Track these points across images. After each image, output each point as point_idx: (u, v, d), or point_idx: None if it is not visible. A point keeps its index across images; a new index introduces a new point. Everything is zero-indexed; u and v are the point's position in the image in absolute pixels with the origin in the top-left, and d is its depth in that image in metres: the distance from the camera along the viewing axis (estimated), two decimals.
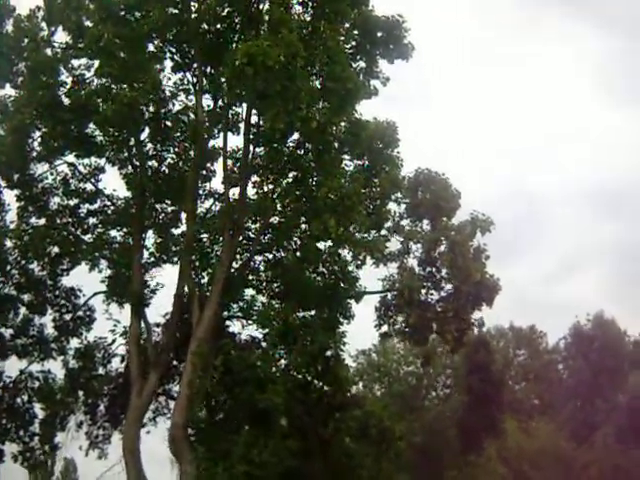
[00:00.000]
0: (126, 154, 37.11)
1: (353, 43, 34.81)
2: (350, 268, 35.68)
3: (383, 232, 36.97)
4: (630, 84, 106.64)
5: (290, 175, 34.76)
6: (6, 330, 38.30)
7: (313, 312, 35.25)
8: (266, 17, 31.85)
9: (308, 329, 33.72)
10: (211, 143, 36.89)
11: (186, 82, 36.16)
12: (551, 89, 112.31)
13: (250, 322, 35.02)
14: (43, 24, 35.83)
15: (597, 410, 52.46)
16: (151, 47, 35.17)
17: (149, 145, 36.79)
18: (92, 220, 38.17)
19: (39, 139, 35.93)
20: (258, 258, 36.72)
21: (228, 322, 36.02)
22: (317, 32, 32.10)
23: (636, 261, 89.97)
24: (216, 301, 33.33)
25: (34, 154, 36.25)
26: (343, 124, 33.63)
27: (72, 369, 38.63)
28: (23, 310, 38.54)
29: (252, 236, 36.47)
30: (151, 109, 35.03)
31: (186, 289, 35.22)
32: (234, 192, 35.48)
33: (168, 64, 36.00)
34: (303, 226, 34.98)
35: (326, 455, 34.39)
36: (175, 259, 37.65)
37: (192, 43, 34.57)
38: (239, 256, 36.10)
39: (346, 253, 35.44)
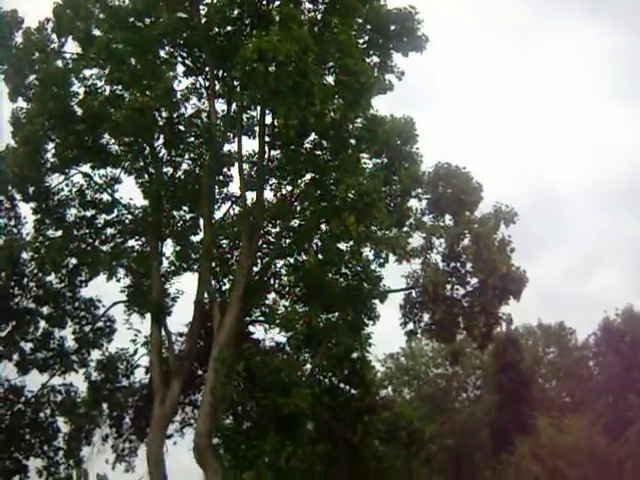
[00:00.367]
0: (141, 163, 36.79)
1: (366, 38, 34.39)
2: (373, 267, 35.16)
3: (405, 229, 36.44)
4: None
5: (307, 176, 34.32)
6: (26, 344, 38.13)
7: (337, 314, 34.75)
8: (276, 16, 31.35)
9: (333, 332, 33.30)
10: (226, 148, 36.52)
11: (198, 86, 35.91)
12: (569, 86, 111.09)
13: (273, 327, 34.50)
14: (53, 35, 35.69)
15: (630, 405, 51.60)
16: (162, 53, 34.96)
17: (163, 152, 36.42)
18: (110, 230, 37.87)
19: (53, 150, 35.75)
20: (279, 262, 36.34)
21: (251, 328, 35.75)
22: (328, 27, 31.72)
23: None
24: (237, 306, 32.88)
25: (48, 165, 36.05)
26: (359, 120, 33.34)
27: (94, 381, 38.33)
28: (42, 323, 38.33)
29: (272, 240, 36.15)
30: (164, 114, 34.70)
31: (206, 296, 34.79)
32: (252, 197, 35.20)
33: (180, 69, 35.76)
34: (323, 227, 34.49)
35: (355, 459, 34.06)
36: (195, 267, 37.20)
37: (203, 47, 34.25)
38: (260, 261, 35.78)
39: (368, 252, 35.04)
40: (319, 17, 32.73)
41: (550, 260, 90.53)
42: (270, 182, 35.62)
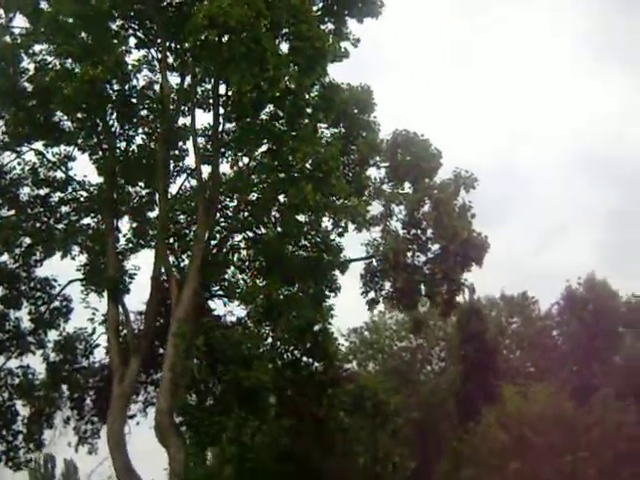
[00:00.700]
0: (95, 139, 36.20)
1: (320, 5, 33.87)
2: (332, 237, 34.74)
3: (364, 198, 35.94)
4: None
5: (264, 147, 33.89)
6: None
7: (297, 287, 34.32)
8: None
9: (293, 304, 32.85)
10: (181, 121, 36.14)
11: (151, 58, 35.23)
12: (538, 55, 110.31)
13: (233, 301, 34.08)
14: (0, 11, 35.03)
15: (595, 373, 51.74)
16: (113, 25, 34.31)
17: (117, 126, 35.73)
18: (64, 208, 37.35)
19: (3, 128, 35.21)
20: (238, 236, 35.93)
21: (211, 304, 35.35)
22: None
23: (626, 227, 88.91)
24: (195, 280, 32.51)
25: None
26: (315, 89, 32.91)
27: (53, 363, 37.68)
28: None
29: (230, 214, 35.83)
30: (115, 87, 34.07)
31: (164, 271, 34.23)
32: (208, 170, 34.71)
33: (132, 42, 35.17)
34: (281, 199, 33.98)
35: (321, 432, 33.75)
36: (153, 243, 36.62)
37: (154, 18, 33.77)
38: (218, 235, 35.38)
39: (327, 222, 34.58)
40: None
41: (512, 230, 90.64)
42: (226, 155, 35.23)
